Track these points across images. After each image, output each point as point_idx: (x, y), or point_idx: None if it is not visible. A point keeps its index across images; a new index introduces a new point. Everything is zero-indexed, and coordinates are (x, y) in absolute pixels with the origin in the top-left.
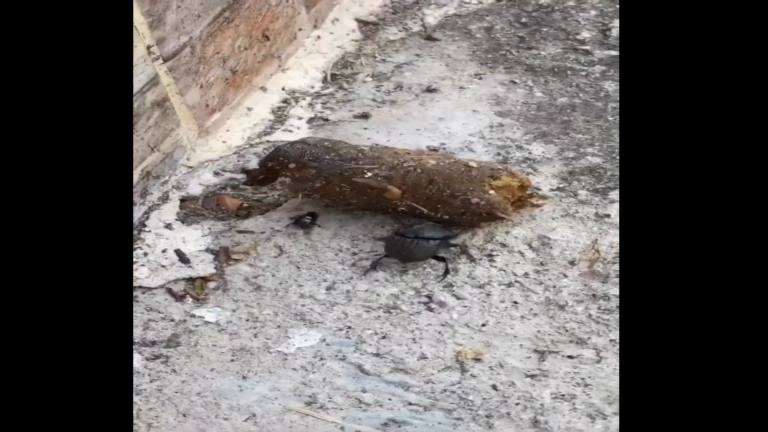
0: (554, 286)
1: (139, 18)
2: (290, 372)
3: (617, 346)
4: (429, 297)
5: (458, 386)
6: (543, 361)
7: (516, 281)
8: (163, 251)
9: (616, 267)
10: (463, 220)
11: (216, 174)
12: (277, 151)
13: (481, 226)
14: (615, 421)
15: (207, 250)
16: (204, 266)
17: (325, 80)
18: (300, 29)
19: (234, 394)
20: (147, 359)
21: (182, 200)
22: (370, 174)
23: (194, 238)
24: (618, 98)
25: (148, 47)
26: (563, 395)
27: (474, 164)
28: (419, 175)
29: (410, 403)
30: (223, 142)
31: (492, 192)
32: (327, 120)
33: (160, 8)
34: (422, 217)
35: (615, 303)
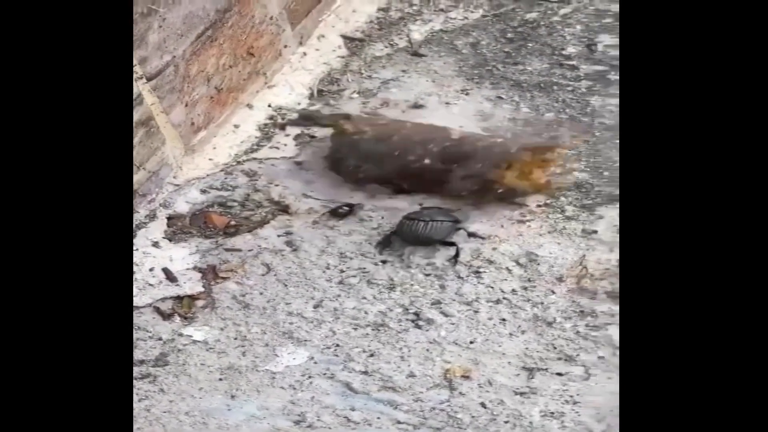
0: (542, 303)
1: None
2: (278, 391)
3: (606, 363)
4: (417, 314)
5: (447, 404)
6: (532, 378)
7: (504, 298)
8: (151, 269)
9: (604, 283)
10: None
11: (203, 192)
12: None
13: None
14: None
15: (194, 268)
16: (191, 284)
17: (311, 96)
18: (285, 46)
19: (222, 413)
20: (135, 378)
21: (169, 218)
22: None
23: (181, 257)
24: (604, 113)
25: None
26: (552, 413)
27: None
28: None
29: (399, 422)
30: (210, 159)
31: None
32: (314, 137)
33: (142, 28)
34: None
35: (603, 320)
